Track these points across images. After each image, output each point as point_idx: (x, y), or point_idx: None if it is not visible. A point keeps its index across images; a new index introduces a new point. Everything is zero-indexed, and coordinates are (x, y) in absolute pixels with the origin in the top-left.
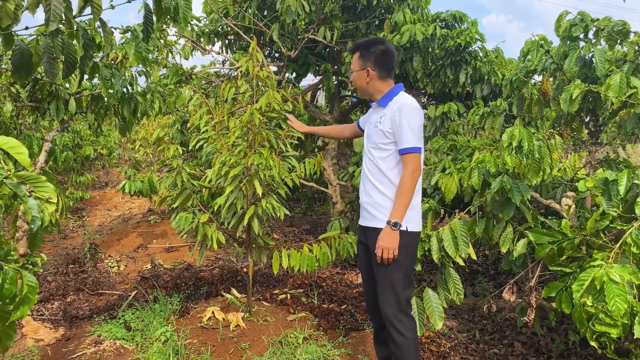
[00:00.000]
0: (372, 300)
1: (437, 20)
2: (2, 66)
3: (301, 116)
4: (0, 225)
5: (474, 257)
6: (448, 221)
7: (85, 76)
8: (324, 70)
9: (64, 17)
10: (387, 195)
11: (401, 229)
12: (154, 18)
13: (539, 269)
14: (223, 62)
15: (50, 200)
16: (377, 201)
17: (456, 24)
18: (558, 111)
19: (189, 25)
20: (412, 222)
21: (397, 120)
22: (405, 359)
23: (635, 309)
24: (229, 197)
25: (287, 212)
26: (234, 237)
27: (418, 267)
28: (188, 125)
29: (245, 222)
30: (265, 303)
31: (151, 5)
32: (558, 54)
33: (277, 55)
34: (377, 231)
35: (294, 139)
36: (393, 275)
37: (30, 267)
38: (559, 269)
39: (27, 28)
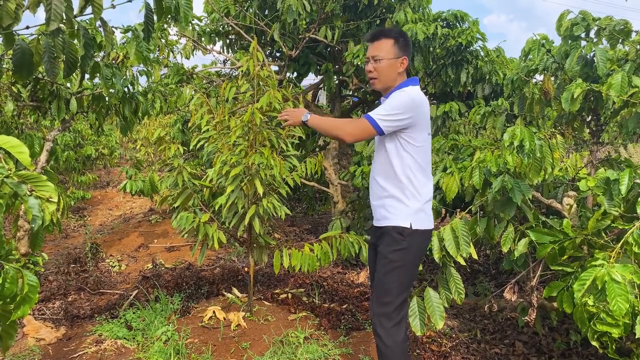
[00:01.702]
0: None
1: (438, 20)
2: (4, 66)
3: None
4: (1, 225)
5: (475, 256)
6: (449, 220)
7: (86, 76)
8: (325, 70)
9: (64, 17)
10: (393, 194)
11: (404, 225)
12: (155, 17)
13: (540, 269)
14: (224, 62)
15: (50, 199)
16: (385, 202)
17: (457, 24)
18: (559, 110)
19: (190, 24)
20: (420, 219)
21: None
22: None
23: (636, 308)
24: (230, 196)
25: (288, 212)
26: (235, 236)
27: (419, 267)
28: (189, 124)
29: (247, 221)
30: (266, 302)
31: (152, 5)
32: (559, 53)
33: (278, 54)
34: (385, 230)
35: (295, 139)
36: (390, 277)
37: (32, 266)
38: (560, 268)
39: (28, 27)
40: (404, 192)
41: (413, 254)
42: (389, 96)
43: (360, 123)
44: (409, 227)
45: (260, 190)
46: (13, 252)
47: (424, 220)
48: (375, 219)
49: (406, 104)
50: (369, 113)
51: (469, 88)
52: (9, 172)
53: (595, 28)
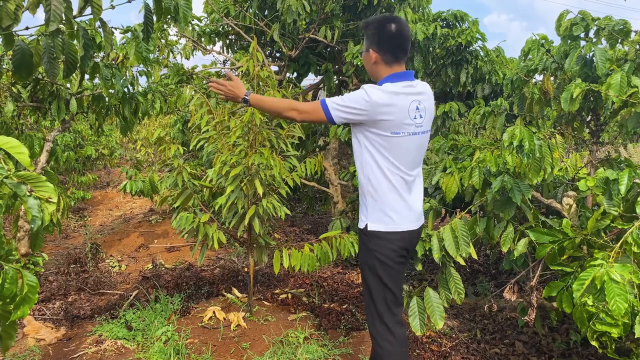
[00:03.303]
0: None
1: (438, 20)
2: (3, 66)
3: None
4: (0, 225)
5: (474, 256)
6: (449, 221)
7: (86, 76)
8: (325, 70)
9: (64, 17)
10: (360, 194)
11: (361, 227)
12: (154, 18)
13: (539, 269)
14: (224, 62)
15: (50, 199)
16: (360, 201)
17: (457, 23)
18: (559, 110)
19: (189, 25)
20: (376, 220)
21: None
22: None
23: (636, 308)
24: (230, 196)
25: (288, 212)
26: (235, 236)
27: (419, 267)
28: (189, 125)
29: (246, 221)
30: (266, 303)
31: (151, 5)
32: (559, 53)
33: (278, 54)
34: (359, 231)
35: (294, 139)
36: (364, 277)
37: (32, 266)
38: (559, 268)
39: (27, 28)
40: (364, 191)
41: (376, 257)
42: None
43: (313, 105)
44: (364, 228)
45: (260, 191)
46: (13, 252)
47: (385, 223)
48: None
49: (360, 100)
50: (325, 98)
51: (468, 88)
52: (9, 172)
53: (595, 28)
